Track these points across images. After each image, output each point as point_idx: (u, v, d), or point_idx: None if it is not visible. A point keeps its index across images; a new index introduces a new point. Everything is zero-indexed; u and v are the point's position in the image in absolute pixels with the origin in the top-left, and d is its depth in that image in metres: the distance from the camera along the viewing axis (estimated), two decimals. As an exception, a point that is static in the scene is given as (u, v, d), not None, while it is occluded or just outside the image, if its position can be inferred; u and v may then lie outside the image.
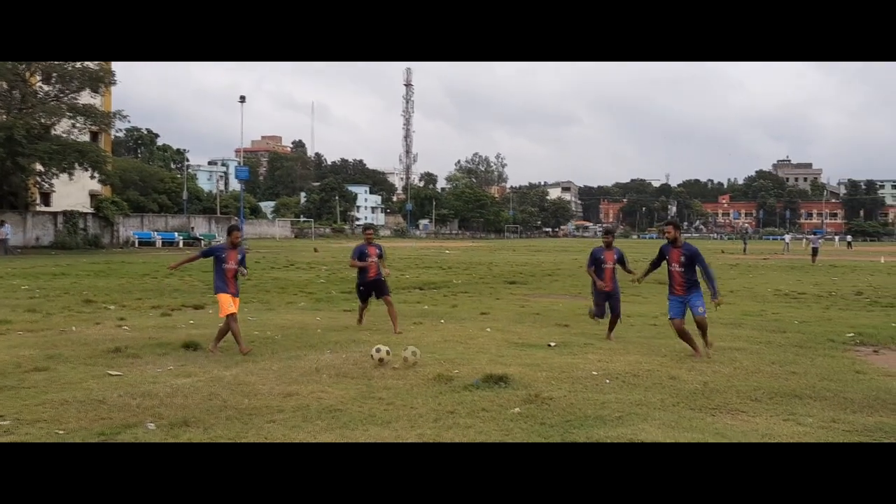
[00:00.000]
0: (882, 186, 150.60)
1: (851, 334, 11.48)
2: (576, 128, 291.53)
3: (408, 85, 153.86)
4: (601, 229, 12.83)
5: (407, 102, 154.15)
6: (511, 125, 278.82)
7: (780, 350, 10.14)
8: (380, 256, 11.91)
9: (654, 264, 9.90)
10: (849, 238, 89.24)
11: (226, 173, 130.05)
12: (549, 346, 10.24)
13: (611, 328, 11.16)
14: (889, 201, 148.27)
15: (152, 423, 6.02)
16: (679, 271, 9.37)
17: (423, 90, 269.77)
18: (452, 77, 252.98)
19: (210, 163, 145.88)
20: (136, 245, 50.78)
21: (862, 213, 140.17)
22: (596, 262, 11.12)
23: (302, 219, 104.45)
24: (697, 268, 9.43)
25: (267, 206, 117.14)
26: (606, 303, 11.06)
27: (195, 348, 9.59)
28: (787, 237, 69.78)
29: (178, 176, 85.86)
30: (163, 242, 52.94)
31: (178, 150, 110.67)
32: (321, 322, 12.58)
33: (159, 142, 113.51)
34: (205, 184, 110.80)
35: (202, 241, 54.57)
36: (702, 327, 9.37)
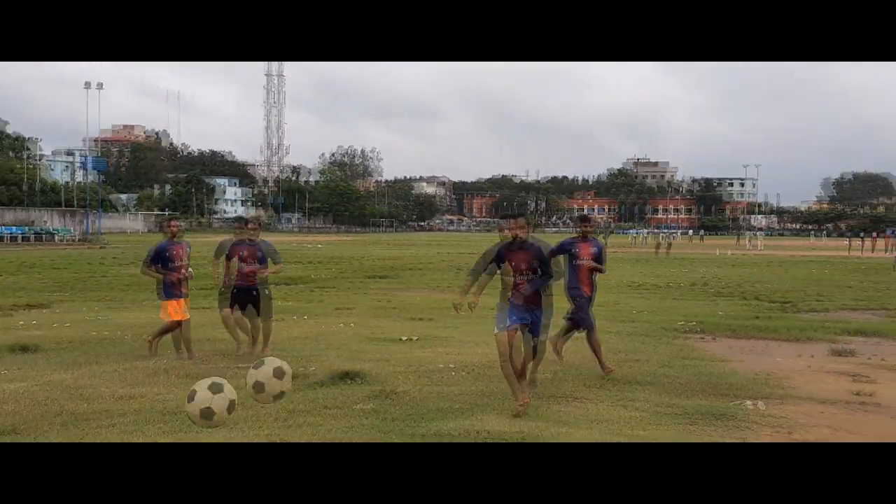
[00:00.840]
0: (731, 184, 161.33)
1: (682, 322, 12.30)
2: (447, 122, 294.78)
3: (276, 76, 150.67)
4: (576, 217, 12.35)
5: (276, 93, 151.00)
6: (382, 118, 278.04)
7: (627, 339, 10.74)
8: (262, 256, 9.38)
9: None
10: (701, 232, 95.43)
11: (83, 164, 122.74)
12: (403, 340, 10.37)
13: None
14: (735, 198, 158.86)
15: (-25, 432, 5.67)
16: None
17: (293, 81, 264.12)
18: (322, 68, 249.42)
19: (67, 153, 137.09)
20: (-23, 240, 47.15)
21: (711, 209, 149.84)
22: (566, 257, 8.44)
23: (167, 213, 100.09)
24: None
25: (127, 198, 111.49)
26: (577, 315, 8.53)
27: (33, 350, 9.06)
28: (644, 232, 73.72)
29: (31, 166, 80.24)
30: (10, 238, 49.35)
31: (16, 138, 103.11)
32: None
33: (7, 130, 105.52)
34: (59, 175, 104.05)
35: (55, 236, 51.31)
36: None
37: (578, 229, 8.74)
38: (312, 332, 11.10)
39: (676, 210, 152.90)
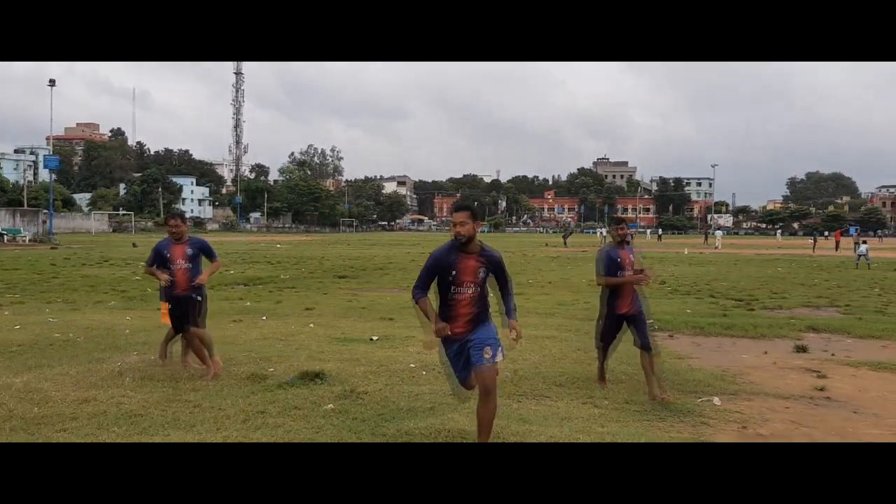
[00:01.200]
0: (688, 183, 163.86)
1: (650, 321, 12.37)
2: (410, 122, 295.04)
3: (238, 73, 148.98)
4: (612, 220, 8.29)
5: (237, 91, 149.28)
6: (345, 118, 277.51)
7: (587, 337, 10.74)
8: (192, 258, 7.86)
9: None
10: (659, 231, 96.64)
11: (34, 162, 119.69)
12: (372, 339, 10.26)
13: (648, 373, 7.19)
14: (693, 197, 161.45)
15: (-82, 439, 5.42)
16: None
17: (254, 79, 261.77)
18: (284, 66, 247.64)
19: (16, 151, 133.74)
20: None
21: (671, 208, 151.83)
22: (612, 269, 7.29)
23: (121, 212, 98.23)
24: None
25: (83, 198, 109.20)
26: (618, 333, 7.51)
27: (-18, 354, 8.74)
28: (603, 231, 74.42)
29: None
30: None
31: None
32: (131, 322, 11.84)
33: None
34: (10, 174, 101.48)
35: (4, 237, 49.96)
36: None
37: (614, 233, 7.45)
38: (278, 332, 10.92)
39: (646, 209, 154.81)
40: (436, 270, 5.12)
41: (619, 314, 7.30)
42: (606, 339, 7.52)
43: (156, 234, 77.07)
